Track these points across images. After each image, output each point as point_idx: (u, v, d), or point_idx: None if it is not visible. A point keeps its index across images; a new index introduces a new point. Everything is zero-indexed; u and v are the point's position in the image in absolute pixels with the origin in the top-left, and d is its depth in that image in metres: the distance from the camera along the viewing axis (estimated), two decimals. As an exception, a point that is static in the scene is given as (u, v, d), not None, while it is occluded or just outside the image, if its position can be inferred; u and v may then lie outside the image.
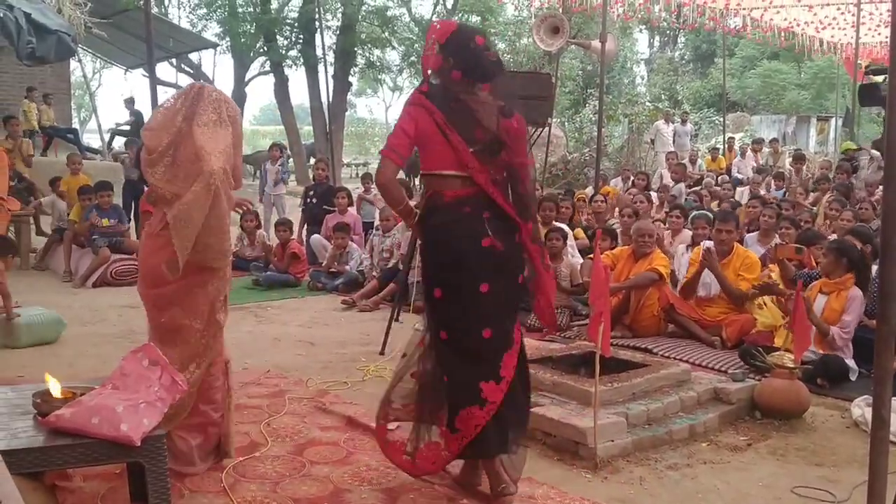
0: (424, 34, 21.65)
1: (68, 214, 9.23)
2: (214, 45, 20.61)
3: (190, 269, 3.44)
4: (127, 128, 17.35)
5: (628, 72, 31.25)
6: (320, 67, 18.11)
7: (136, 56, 18.57)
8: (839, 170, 11.68)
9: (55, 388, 2.89)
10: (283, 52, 21.37)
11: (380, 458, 3.77)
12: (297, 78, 43.55)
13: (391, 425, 4.15)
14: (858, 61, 14.72)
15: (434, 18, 23.01)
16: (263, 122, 53.08)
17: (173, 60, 20.63)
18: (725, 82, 20.94)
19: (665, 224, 8.27)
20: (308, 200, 10.40)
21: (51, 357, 5.56)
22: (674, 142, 17.50)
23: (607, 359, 4.01)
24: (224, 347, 3.73)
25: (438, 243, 3.24)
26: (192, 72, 22.32)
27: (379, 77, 27.66)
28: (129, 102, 17.82)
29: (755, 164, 15.70)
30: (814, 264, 6.05)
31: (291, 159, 20.04)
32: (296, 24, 21.37)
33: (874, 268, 5.45)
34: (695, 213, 7.98)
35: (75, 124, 22.18)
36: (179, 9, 22.99)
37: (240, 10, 20.84)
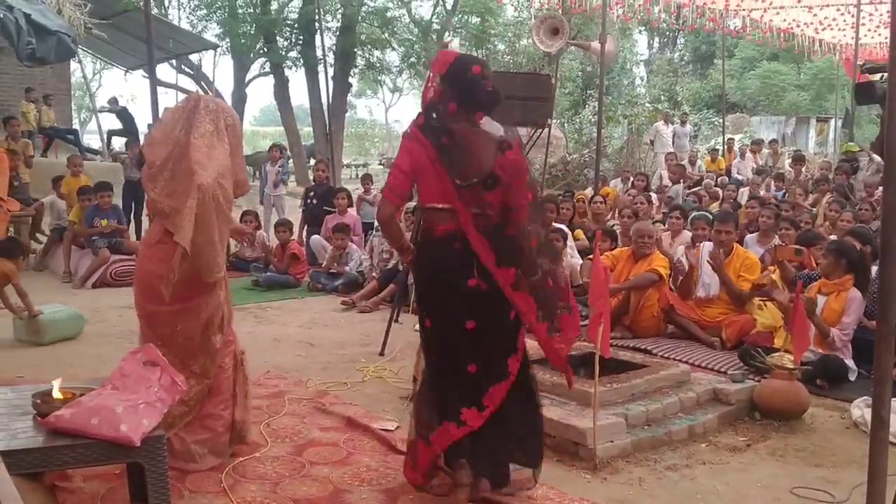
0: (424, 35, 21.82)
1: (68, 214, 9.23)
2: (214, 46, 20.59)
3: (184, 288, 3.46)
4: (119, 126, 17.42)
5: (628, 73, 31.21)
6: (320, 68, 18.11)
7: (136, 57, 18.55)
8: (838, 171, 11.69)
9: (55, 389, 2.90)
10: (283, 53, 21.35)
11: (379, 459, 3.78)
12: (297, 79, 43.62)
13: (390, 425, 4.17)
14: (858, 62, 14.71)
15: (434, 19, 23.02)
16: (263, 122, 53.07)
17: (173, 61, 20.63)
18: (725, 83, 20.93)
19: (665, 224, 8.27)
20: (308, 201, 10.41)
21: (50, 357, 5.56)
22: (673, 143, 17.50)
23: (607, 360, 4.02)
24: (237, 340, 3.81)
25: (427, 278, 3.29)
26: (192, 73, 22.33)
27: (379, 78, 27.68)
28: (112, 102, 17.87)
29: (755, 166, 15.71)
30: (814, 265, 6.05)
31: (291, 160, 20.03)
32: (296, 26, 21.35)
33: (874, 269, 5.46)
34: (694, 213, 7.99)
35: (75, 125, 22.19)
36: (179, 10, 22.97)
37: (240, 11, 20.82)
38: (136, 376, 2.90)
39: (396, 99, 46.37)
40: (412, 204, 8.54)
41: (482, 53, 20.32)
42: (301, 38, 21.10)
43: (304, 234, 10.20)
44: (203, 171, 3.41)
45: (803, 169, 13.22)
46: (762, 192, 11.34)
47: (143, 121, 18.51)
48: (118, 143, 18.55)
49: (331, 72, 17.67)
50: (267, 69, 22.91)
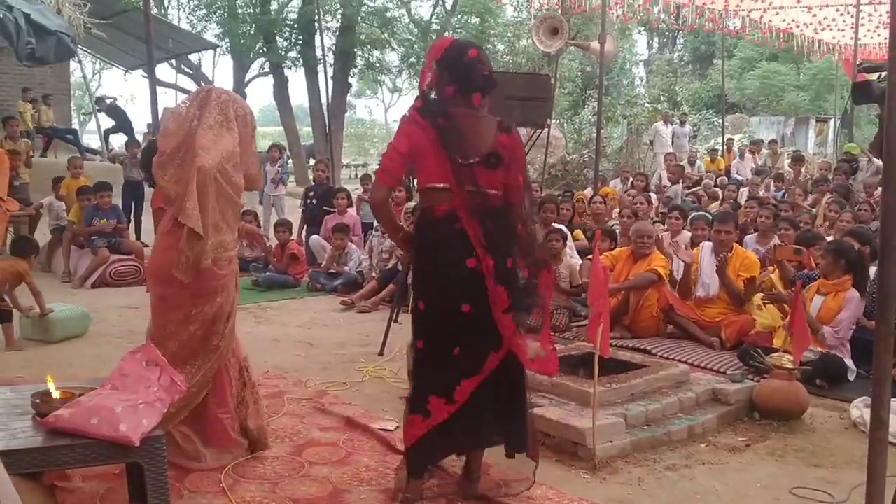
0: (424, 35, 21.81)
1: (67, 215, 9.23)
2: (214, 46, 20.62)
3: (197, 272, 3.51)
4: (112, 123, 17.44)
5: (627, 73, 31.24)
6: (320, 68, 18.12)
7: (135, 57, 18.59)
8: (838, 171, 11.70)
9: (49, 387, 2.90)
10: (283, 53, 21.36)
11: (378, 459, 3.78)
12: (296, 79, 43.65)
13: (390, 425, 4.17)
14: (857, 62, 14.73)
15: (434, 20, 23.02)
16: (263, 122, 52.88)
17: (173, 61, 20.66)
18: (724, 84, 20.95)
19: (664, 224, 8.27)
20: (308, 201, 10.40)
21: (49, 357, 5.56)
22: (672, 143, 17.52)
23: (606, 360, 4.02)
24: (240, 346, 3.82)
25: (425, 259, 3.25)
26: (191, 73, 22.35)
27: (378, 78, 27.69)
28: (100, 101, 17.91)
29: (754, 166, 15.72)
30: (813, 265, 6.06)
31: (291, 160, 20.04)
32: (295, 26, 21.36)
33: (873, 269, 5.46)
34: (694, 213, 7.99)
35: (75, 125, 22.19)
36: (179, 10, 22.99)
37: (239, 11, 20.82)
38: (136, 376, 2.90)
39: (396, 99, 46.38)
40: (411, 204, 8.55)
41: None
42: (301, 38, 21.11)
43: (304, 234, 10.20)
44: (206, 154, 3.46)
45: (802, 169, 13.23)
46: (762, 193, 11.35)
47: (142, 120, 18.60)
48: (117, 142, 18.56)
49: (330, 72, 17.67)
50: (266, 69, 22.92)
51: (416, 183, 3.68)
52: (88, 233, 8.65)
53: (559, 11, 13.42)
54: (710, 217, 7.36)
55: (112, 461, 2.89)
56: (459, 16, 22.36)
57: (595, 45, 10.02)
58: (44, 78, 15.96)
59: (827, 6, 16.31)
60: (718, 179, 13.25)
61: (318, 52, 18.40)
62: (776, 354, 4.69)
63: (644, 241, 6.39)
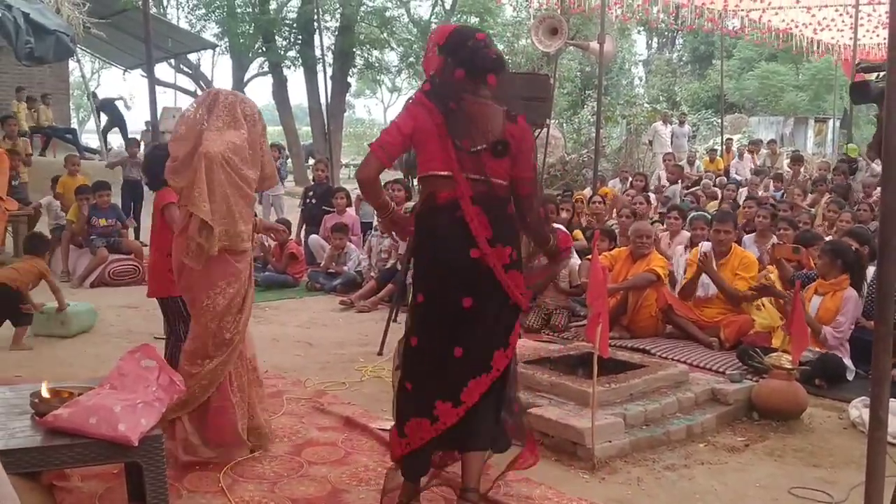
0: (423, 35, 21.80)
1: (65, 214, 9.22)
2: (213, 46, 20.62)
3: (214, 262, 3.58)
4: (111, 123, 17.43)
5: (626, 73, 31.26)
6: (319, 68, 18.13)
7: (134, 56, 18.57)
8: (836, 171, 11.70)
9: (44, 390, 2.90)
10: (282, 52, 21.36)
11: (377, 459, 3.78)
12: (295, 79, 43.56)
13: (388, 425, 4.16)
14: (856, 62, 14.72)
15: (433, 19, 23.01)
16: (262, 122, 52.99)
17: (172, 61, 20.65)
18: (723, 84, 20.96)
19: (663, 224, 8.28)
20: (307, 201, 10.40)
21: (48, 357, 5.56)
22: (672, 143, 17.52)
23: (605, 359, 4.01)
24: (249, 345, 3.83)
25: (427, 248, 3.10)
26: (190, 72, 22.35)
27: (377, 78, 27.71)
28: (93, 97, 17.88)
29: (753, 166, 15.72)
30: (812, 265, 6.06)
31: (290, 160, 20.04)
32: (294, 25, 21.36)
33: (871, 269, 5.46)
34: (693, 213, 8.00)
35: (74, 124, 22.18)
36: (178, 9, 23.01)
37: (238, 10, 20.83)
38: (135, 376, 2.90)
39: (395, 99, 46.34)
40: (410, 204, 8.55)
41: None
42: (300, 37, 21.11)
43: (303, 233, 10.20)
44: (211, 143, 3.49)
45: (802, 169, 13.23)
46: (761, 193, 11.36)
47: (141, 119, 18.59)
48: (115, 141, 18.53)
49: (329, 71, 17.66)
50: (265, 69, 22.93)
51: (415, 178, 3.60)
52: (87, 232, 8.65)
53: (558, 11, 13.42)
54: (709, 217, 7.37)
55: (111, 461, 2.90)
56: (458, 15, 22.36)
57: (594, 44, 10.00)
58: (43, 77, 15.96)
59: (826, 6, 16.31)
60: (717, 179, 13.25)
61: (318, 52, 18.39)
62: (775, 354, 4.69)
63: (643, 241, 6.40)
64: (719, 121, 20.79)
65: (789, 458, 4.00)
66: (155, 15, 18.00)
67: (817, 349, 5.20)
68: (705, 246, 6.53)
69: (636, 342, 6.08)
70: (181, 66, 21.73)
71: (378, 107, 58.12)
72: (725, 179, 13.43)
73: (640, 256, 6.41)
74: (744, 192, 11.55)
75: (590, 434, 3.76)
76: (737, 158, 16.73)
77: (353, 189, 11.09)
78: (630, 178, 12.41)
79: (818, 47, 18.59)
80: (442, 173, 3.00)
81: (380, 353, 5.70)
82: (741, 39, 24.56)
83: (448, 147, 2.96)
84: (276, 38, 21.18)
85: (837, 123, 22.91)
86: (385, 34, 21.55)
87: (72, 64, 19.20)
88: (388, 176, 6.90)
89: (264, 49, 21.28)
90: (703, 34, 27.00)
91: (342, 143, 25.22)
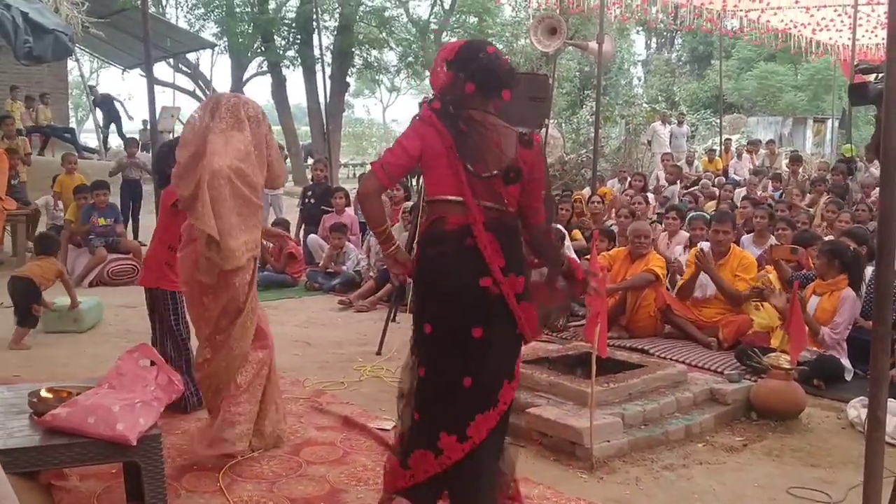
0: (422, 35, 21.80)
1: (63, 213, 9.21)
2: (212, 45, 20.59)
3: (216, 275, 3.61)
4: (109, 121, 17.42)
5: (625, 73, 31.25)
6: (318, 68, 18.13)
7: (133, 56, 18.56)
8: (835, 171, 11.70)
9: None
10: (281, 52, 21.36)
11: (376, 458, 3.78)
12: (294, 78, 43.56)
13: (387, 424, 4.16)
14: (855, 63, 14.73)
15: (432, 19, 23.00)
16: (261, 122, 53.00)
17: (171, 60, 20.63)
18: (722, 84, 20.95)
19: (662, 224, 8.28)
20: (306, 200, 10.40)
21: (47, 357, 5.55)
22: (670, 143, 17.51)
23: (604, 359, 4.02)
24: (265, 348, 3.85)
25: (433, 276, 2.91)
26: (189, 72, 22.32)
27: (376, 78, 27.67)
28: (93, 91, 17.86)
29: (751, 166, 15.72)
30: (811, 265, 6.07)
31: (289, 159, 20.02)
32: (293, 25, 21.36)
33: (870, 269, 5.47)
34: (692, 214, 8.00)
35: (72, 124, 22.17)
36: (177, 8, 23.01)
37: (237, 10, 20.83)
38: (133, 375, 2.90)
39: (394, 98, 46.42)
40: (409, 204, 8.54)
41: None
42: (299, 37, 21.10)
43: (302, 233, 10.20)
44: (217, 158, 3.48)
45: (800, 169, 13.24)
46: (759, 193, 11.36)
47: (140, 119, 18.58)
48: (114, 141, 18.52)
49: (328, 71, 17.66)
50: (264, 68, 22.92)
51: (419, 186, 3.53)
52: (86, 232, 8.64)
53: (557, 11, 13.40)
54: (707, 217, 7.37)
55: (109, 460, 2.90)
56: (457, 15, 22.37)
57: (593, 44, 9.99)
58: (41, 77, 15.96)
59: (825, 6, 16.29)
60: (716, 179, 13.26)
61: (316, 52, 18.37)
62: (773, 354, 4.69)
63: (641, 241, 6.40)
64: (718, 121, 20.77)
65: (787, 458, 4.00)
66: (154, 14, 17.99)
67: (816, 349, 5.21)
68: (704, 246, 6.53)
69: (635, 342, 6.08)
70: (180, 65, 21.71)
71: (377, 106, 58.25)
72: (724, 179, 13.43)
73: (638, 256, 6.42)
74: (740, 192, 11.55)
75: (588, 434, 3.77)
76: (735, 158, 16.73)
77: (352, 189, 11.11)
78: (629, 178, 12.41)
79: (817, 47, 18.59)
80: (452, 198, 2.85)
81: (378, 353, 5.71)
82: (740, 40, 24.54)
83: (459, 171, 2.81)
84: (275, 37, 21.18)
85: (836, 123, 22.93)
86: (384, 34, 21.54)
87: (70, 63, 19.21)
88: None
89: (263, 49, 21.27)
90: (701, 34, 26.98)
91: (341, 143, 25.22)
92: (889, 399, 2.68)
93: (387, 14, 22.03)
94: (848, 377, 5.19)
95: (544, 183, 2.99)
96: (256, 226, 3.71)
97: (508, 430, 3.04)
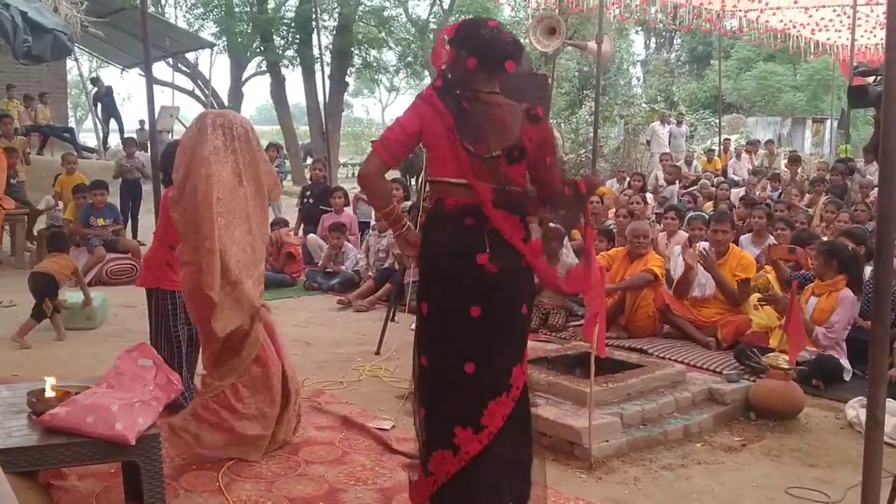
0: (421, 35, 21.78)
1: (62, 213, 9.21)
2: (211, 45, 20.58)
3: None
4: (100, 117, 17.41)
5: (624, 73, 31.23)
6: (317, 67, 18.14)
7: (132, 55, 18.54)
8: (834, 171, 11.71)
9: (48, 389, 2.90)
10: (280, 51, 21.36)
11: (375, 458, 3.78)
12: (293, 78, 43.58)
13: (386, 424, 4.16)
14: (854, 63, 14.72)
15: (431, 19, 23.00)
16: (260, 122, 52.92)
17: (170, 60, 20.62)
18: (721, 84, 20.95)
19: (661, 224, 8.28)
20: (305, 200, 10.40)
21: (46, 356, 5.55)
22: (669, 143, 17.52)
23: (602, 359, 4.02)
24: (273, 357, 3.94)
25: (432, 255, 2.89)
26: (188, 71, 22.32)
27: (375, 77, 27.70)
28: (97, 82, 17.85)
29: (751, 166, 15.72)
30: (810, 265, 6.07)
31: (288, 159, 20.02)
32: (292, 24, 21.36)
33: (868, 269, 5.47)
34: (691, 214, 8.00)
35: (71, 123, 22.16)
36: (176, 8, 23.01)
37: (236, 9, 20.84)
38: (132, 375, 2.90)
39: (393, 98, 46.45)
40: (408, 203, 8.54)
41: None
42: (298, 36, 21.11)
43: (301, 233, 10.20)
44: (202, 193, 3.49)
45: (799, 170, 13.24)
46: (758, 193, 11.35)
47: (137, 118, 18.56)
48: (113, 140, 18.50)
49: (327, 71, 17.66)
50: (263, 68, 22.93)
51: (419, 186, 3.52)
52: (85, 233, 8.64)
53: (556, 11, 13.40)
54: (706, 217, 7.37)
55: (108, 460, 2.89)
56: (456, 15, 22.34)
57: (592, 44, 9.99)
58: (40, 76, 15.95)
59: (824, 7, 16.29)
60: (715, 179, 13.26)
61: (315, 51, 18.38)
62: (772, 354, 4.69)
63: (640, 241, 6.40)
64: (717, 121, 20.78)
65: (786, 458, 4.00)
66: (153, 14, 17.98)
67: (814, 349, 5.21)
68: (702, 245, 6.53)
69: (634, 342, 6.08)
70: (179, 65, 21.69)
71: (376, 106, 58.33)
72: (723, 179, 13.43)
73: (637, 256, 6.42)
74: (739, 192, 11.55)
75: (587, 434, 3.77)
76: (734, 158, 16.73)
77: (351, 189, 11.11)
78: (628, 178, 12.40)
79: (816, 48, 18.59)
80: (453, 180, 2.82)
81: (377, 353, 5.70)
82: (739, 40, 24.57)
83: (459, 153, 2.76)
84: (274, 37, 21.18)
85: (835, 124, 22.94)
86: (383, 33, 21.55)
87: (69, 63, 19.18)
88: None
89: (262, 48, 21.28)
90: (700, 34, 27.00)
91: (340, 143, 25.20)
92: (888, 399, 2.69)
93: (386, 14, 22.04)
94: (847, 377, 5.19)
95: (552, 156, 2.93)
96: (262, 241, 3.74)
97: (531, 424, 2.97)
